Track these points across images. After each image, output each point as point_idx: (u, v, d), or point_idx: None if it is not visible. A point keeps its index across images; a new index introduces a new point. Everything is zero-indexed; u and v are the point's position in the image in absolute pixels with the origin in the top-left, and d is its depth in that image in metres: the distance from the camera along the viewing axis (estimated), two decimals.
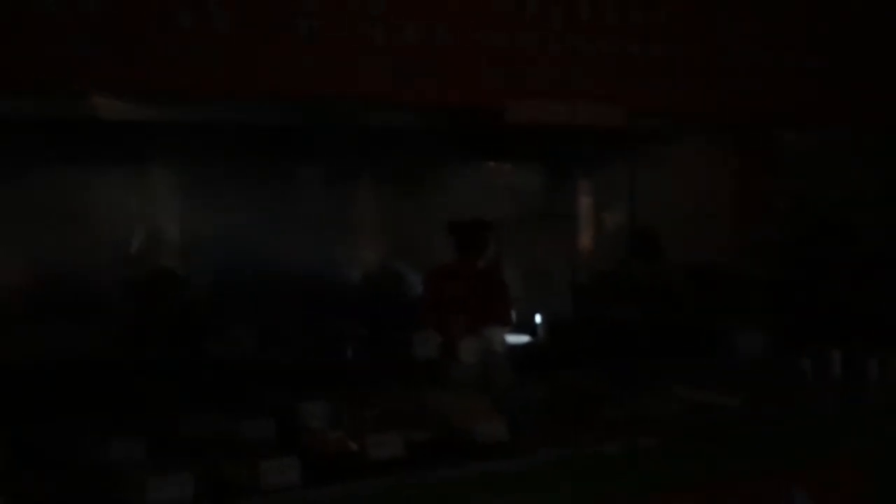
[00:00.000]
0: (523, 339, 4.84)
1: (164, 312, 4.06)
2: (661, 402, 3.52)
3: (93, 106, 3.91)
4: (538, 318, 5.07)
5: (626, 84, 4.50)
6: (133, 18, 3.73)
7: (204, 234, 4.76)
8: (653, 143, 5.07)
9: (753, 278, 5.09)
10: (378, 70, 4.17)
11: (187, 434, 2.98)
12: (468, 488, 2.87)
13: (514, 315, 4.90)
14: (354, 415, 3.07)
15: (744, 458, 3.36)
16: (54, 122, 4.13)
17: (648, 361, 4.06)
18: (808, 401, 3.72)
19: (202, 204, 4.79)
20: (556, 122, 4.45)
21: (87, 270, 4.59)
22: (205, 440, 2.94)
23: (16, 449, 2.80)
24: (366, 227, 5.25)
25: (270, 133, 4.57)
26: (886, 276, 4.78)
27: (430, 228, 5.09)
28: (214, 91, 3.93)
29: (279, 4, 3.97)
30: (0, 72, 3.56)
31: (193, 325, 4.04)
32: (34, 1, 3.60)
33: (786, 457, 3.44)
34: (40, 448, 2.86)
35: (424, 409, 3.14)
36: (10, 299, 4.49)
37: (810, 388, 3.86)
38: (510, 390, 3.39)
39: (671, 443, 3.23)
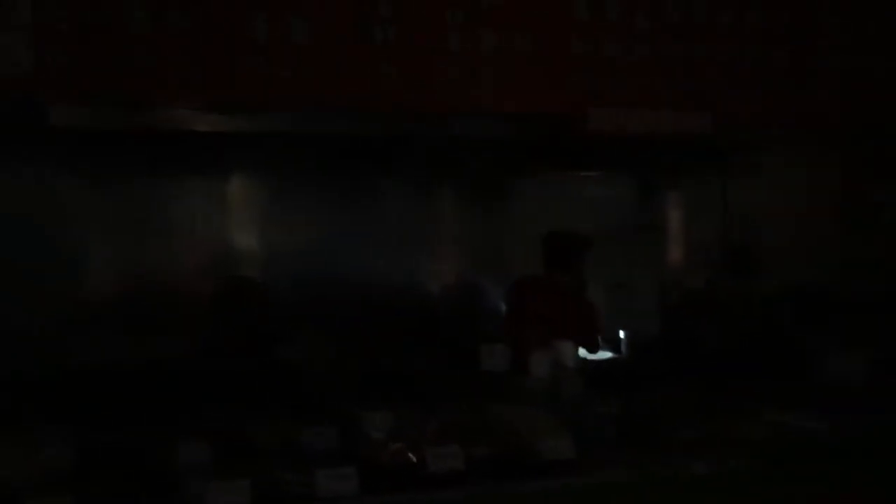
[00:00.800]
0: (604, 355, 4.68)
1: (237, 320, 4.11)
2: (742, 424, 3.31)
3: (175, 118, 4.01)
4: (621, 335, 4.90)
5: (715, 90, 4.33)
6: (214, 33, 3.83)
7: (280, 245, 4.81)
8: (746, 153, 4.84)
9: (852, 298, 4.79)
10: (457, 79, 4.15)
11: (250, 441, 2.98)
12: None
13: (600, 339, 4.75)
14: (416, 426, 3.00)
15: (830, 484, 3.13)
16: (139, 134, 4.25)
17: (734, 383, 3.85)
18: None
19: (280, 215, 4.84)
20: (641, 131, 4.31)
21: (166, 278, 4.68)
22: (266, 447, 2.94)
23: (86, 450, 2.85)
24: (442, 239, 5.18)
25: (349, 144, 4.58)
26: None
27: (509, 241, 5.00)
28: (293, 103, 3.98)
29: (357, 13, 4.00)
30: (91, 85, 3.69)
31: (265, 334, 4.07)
32: (124, 18, 3.73)
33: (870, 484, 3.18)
34: (109, 450, 2.91)
35: (489, 423, 3.05)
36: (89, 305, 4.61)
37: None
38: (581, 407, 3.25)
39: (746, 466, 3.03)
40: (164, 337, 4.35)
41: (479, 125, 4.32)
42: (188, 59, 3.83)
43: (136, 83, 3.77)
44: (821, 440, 3.26)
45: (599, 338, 4.69)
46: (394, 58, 4.07)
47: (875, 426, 3.37)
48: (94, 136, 4.09)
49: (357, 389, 3.37)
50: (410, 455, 2.81)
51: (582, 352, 4.35)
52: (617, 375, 4.44)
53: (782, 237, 5.08)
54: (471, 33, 4.17)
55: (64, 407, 3.19)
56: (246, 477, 2.60)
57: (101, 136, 4.07)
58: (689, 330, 5.03)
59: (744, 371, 4.10)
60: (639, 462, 2.98)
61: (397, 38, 4.09)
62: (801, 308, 4.89)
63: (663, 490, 2.94)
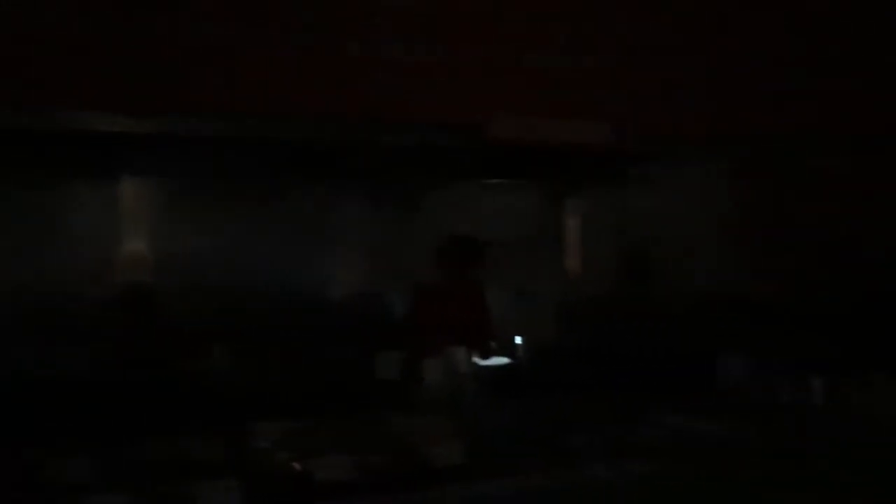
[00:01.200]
0: (500, 360, 4.67)
1: (126, 328, 3.97)
2: (639, 429, 3.35)
3: (71, 119, 3.85)
4: (517, 340, 4.91)
5: (615, 102, 4.40)
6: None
7: (173, 251, 4.67)
8: (645, 163, 4.94)
9: (746, 303, 4.93)
10: (359, 88, 4.11)
11: (130, 454, 2.86)
12: None
13: (492, 344, 4.73)
14: (305, 437, 2.94)
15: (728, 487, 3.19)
16: (29, 135, 4.05)
17: (630, 388, 3.90)
18: (794, 429, 3.54)
19: (173, 221, 4.70)
20: (539, 139, 4.35)
21: (57, 286, 4.50)
22: (148, 460, 2.83)
23: None
24: (343, 246, 5.14)
25: (250, 149, 4.47)
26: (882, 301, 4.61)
27: (412, 248, 4.98)
28: (193, 105, 3.88)
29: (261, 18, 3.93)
30: None
31: (151, 343, 3.94)
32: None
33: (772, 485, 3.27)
34: None
35: (380, 432, 3.01)
36: None
37: (798, 415, 3.69)
38: (475, 413, 3.24)
39: (644, 470, 3.07)
40: (48, 345, 4.16)
41: (382, 132, 4.28)
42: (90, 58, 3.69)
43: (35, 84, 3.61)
44: (718, 444, 3.33)
45: (491, 343, 4.67)
46: (297, 64, 4.00)
47: (771, 429, 3.46)
48: None
49: (245, 399, 3.27)
50: (297, 465, 2.75)
51: (475, 357, 4.39)
52: (512, 381, 4.46)
53: (679, 245, 5.19)
54: (374, 41, 4.14)
55: None
56: (125, 492, 2.50)
57: None
58: (586, 336, 5.09)
59: (641, 377, 4.15)
60: (534, 468, 2.98)
61: (303, 43, 4.02)
62: (698, 314, 5.01)
63: (561, 497, 2.95)
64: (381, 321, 4.94)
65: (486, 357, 4.52)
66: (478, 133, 4.32)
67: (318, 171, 4.86)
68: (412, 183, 5.13)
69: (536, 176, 5.27)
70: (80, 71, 3.66)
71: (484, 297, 4.80)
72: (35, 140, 4.09)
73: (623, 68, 4.46)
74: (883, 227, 4.91)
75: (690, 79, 4.54)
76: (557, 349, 4.85)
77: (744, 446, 3.33)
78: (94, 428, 3.04)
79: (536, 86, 4.37)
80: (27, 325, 4.33)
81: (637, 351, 4.64)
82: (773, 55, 4.60)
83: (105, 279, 4.63)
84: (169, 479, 2.66)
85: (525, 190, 5.43)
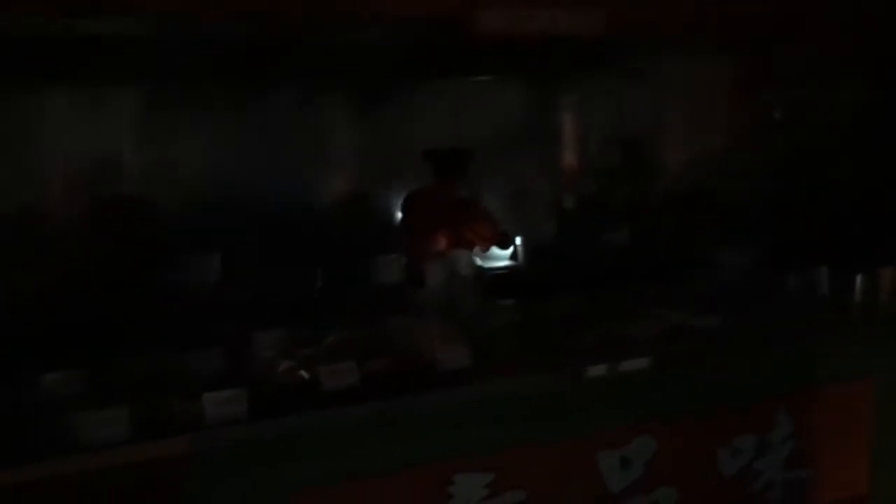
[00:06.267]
0: (500, 263, 4.63)
1: (112, 240, 3.86)
2: (635, 326, 3.32)
3: (37, 22, 3.65)
4: (517, 241, 4.85)
5: None
6: None
7: (160, 160, 4.52)
8: (639, 56, 4.77)
9: (742, 196, 4.87)
10: None
11: (129, 367, 2.81)
12: (428, 417, 2.72)
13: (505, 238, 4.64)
14: (308, 344, 2.89)
15: (726, 382, 3.20)
16: None
17: (629, 286, 3.86)
18: (795, 321, 3.53)
19: (159, 128, 4.53)
20: (530, 32, 4.18)
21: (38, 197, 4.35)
22: (148, 373, 2.78)
23: None
24: (329, 150, 4.99)
25: (229, 52, 4.28)
26: (874, 193, 4.55)
27: (399, 152, 4.84)
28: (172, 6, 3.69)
29: None
30: None
31: (143, 254, 3.85)
32: None
33: (770, 380, 3.29)
34: None
35: (384, 337, 2.96)
36: None
37: (797, 308, 3.67)
38: (478, 316, 3.19)
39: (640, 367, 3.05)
40: (35, 261, 4.05)
41: (362, 29, 4.10)
42: None
43: None
44: (712, 336, 3.32)
45: (507, 235, 4.60)
46: None
47: (768, 320, 3.45)
48: None
49: (245, 309, 3.21)
50: (303, 373, 2.71)
51: (495, 250, 4.44)
52: (513, 283, 4.43)
53: (678, 138, 5.09)
54: None
55: None
56: (122, 405, 2.44)
57: None
58: (583, 234, 5.03)
59: (639, 273, 4.12)
60: (535, 369, 2.96)
61: None
62: (693, 209, 4.95)
63: (561, 396, 2.94)
64: (374, 226, 4.86)
65: (506, 247, 4.50)
66: (463, 27, 4.15)
67: (294, 72, 4.68)
68: (396, 82, 4.95)
69: (525, 70, 5.08)
70: None
71: (477, 201, 4.69)
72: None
73: None
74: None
75: None
76: (556, 248, 4.79)
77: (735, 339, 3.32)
78: (88, 347, 2.96)
79: None
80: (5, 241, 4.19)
81: (635, 246, 4.60)
82: None
83: (87, 191, 4.47)
84: (175, 391, 2.61)
85: (514, 86, 5.25)
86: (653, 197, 5.12)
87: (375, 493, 2.67)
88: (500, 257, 4.75)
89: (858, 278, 3.65)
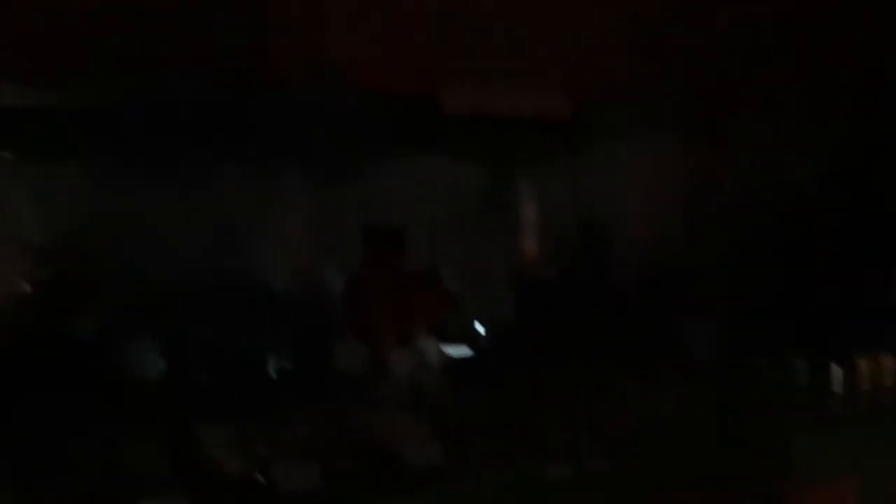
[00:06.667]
0: (460, 348, 4.38)
1: (55, 322, 3.54)
2: (608, 414, 3.12)
3: None
4: (478, 328, 4.62)
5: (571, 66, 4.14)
6: None
7: (103, 235, 4.21)
8: (602, 136, 4.69)
9: (704, 275, 4.76)
10: (297, 48, 3.77)
11: (59, 461, 2.48)
12: None
13: (447, 322, 4.39)
14: (264, 440, 2.60)
15: (698, 478, 3.00)
16: None
17: (596, 368, 3.69)
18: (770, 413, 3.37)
19: (102, 199, 4.24)
20: (498, 113, 4.08)
21: None
22: (79, 469, 2.45)
23: None
24: (283, 228, 4.71)
25: (180, 112, 4.04)
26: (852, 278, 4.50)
27: (356, 229, 4.60)
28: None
29: None
30: None
31: (86, 337, 3.53)
32: None
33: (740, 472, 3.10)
34: None
35: (347, 432, 2.70)
36: None
37: (773, 399, 3.53)
38: (446, 407, 2.96)
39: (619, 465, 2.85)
40: None
41: (325, 100, 3.94)
42: None
43: None
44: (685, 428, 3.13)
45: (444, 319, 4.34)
46: (230, 19, 3.62)
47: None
48: None
49: (190, 399, 2.91)
50: (258, 476, 2.42)
51: (435, 341, 4.02)
52: (474, 370, 4.20)
53: (637, 217, 4.98)
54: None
55: None
56: None
57: None
58: (545, 315, 4.86)
59: (603, 354, 3.96)
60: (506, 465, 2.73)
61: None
62: (653, 287, 4.83)
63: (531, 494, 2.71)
64: (333, 309, 4.58)
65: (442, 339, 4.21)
66: (430, 105, 4.03)
67: (244, 141, 4.46)
68: (353, 156, 4.76)
69: (488, 148, 4.96)
70: None
71: (434, 281, 4.43)
72: None
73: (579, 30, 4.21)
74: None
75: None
76: (518, 332, 4.58)
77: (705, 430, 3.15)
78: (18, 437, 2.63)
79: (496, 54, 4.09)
80: None
81: (598, 328, 4.45)
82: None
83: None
84: (105, 496, 2.30)
85: (476, 164, 5.12)
86: (615, 278, 4.97)
87: None
88: (461, 342, 4.50)
89: (838, 369, 3.52)
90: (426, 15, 3.89)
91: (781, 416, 3.35)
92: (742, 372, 3.76)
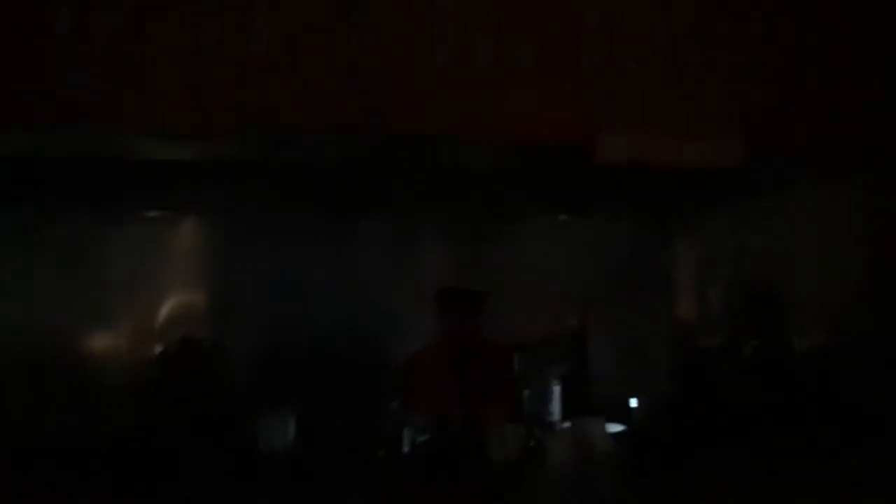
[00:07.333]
0: (613, 428, 3.85)
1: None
2: None
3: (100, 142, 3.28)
4: (632, 403, 4.07)
5: (746, 114, 3.68)
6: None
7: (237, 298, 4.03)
8: (779, 188, 4.16)
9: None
10: (429, 99, 3.48)
11: None
12: None
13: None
14: None
15: None
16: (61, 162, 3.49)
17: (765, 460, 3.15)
18: None
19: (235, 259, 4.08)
20: (655, 161, 3.64)
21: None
22: None
23: None
24: (426, 287, 4.34)
25: (311, 174, 3.83)
26: None
27: (501, 289, 4.21)
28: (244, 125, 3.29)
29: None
30: None
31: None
32: None
33: None
34: None
35: None
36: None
37: None
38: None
39: None
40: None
41: (468, 154, 3.62)
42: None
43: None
44: None
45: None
46: (369, 71, 3.39)
47: None
48: None
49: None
50: None
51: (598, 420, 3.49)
52: (631, 455, 3.69)
53: (813, 284, 4.39)
54: (461, 44, 3.50)
55: None
56: None
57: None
58: (706, 394, 4.31)
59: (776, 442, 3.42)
60: None
61: (373, 46, 3.41)
62: (838, 366, 4.21)
63: None
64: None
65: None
66: (579, 154, 3.64)
67: (385, 198, 4.20)
68: (507, 214, 4.41)
69: (642, 203, 4.50)
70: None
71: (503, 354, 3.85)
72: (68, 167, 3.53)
73: (751, 74, 3.75)
74: None
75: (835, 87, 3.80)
76: (676, 412, 4.05)
77: None
78: None
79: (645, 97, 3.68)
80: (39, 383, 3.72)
81: (768, 412, 3.88)
82: None
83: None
84: None
85: (629, 220, 4.66)
86: (788, 353, 4.38)
87: None
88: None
89: None
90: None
91: None
92: None
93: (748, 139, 3.60)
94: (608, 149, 3.65)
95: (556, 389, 4.23)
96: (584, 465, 2.59)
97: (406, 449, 3.17)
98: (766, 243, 4.51)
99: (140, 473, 2.89)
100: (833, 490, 3.00)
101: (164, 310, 4.29)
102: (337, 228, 4.23)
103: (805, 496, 2.93)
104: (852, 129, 3.74)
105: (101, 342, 4.19)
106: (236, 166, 3.74)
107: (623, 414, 4.06)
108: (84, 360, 4.11)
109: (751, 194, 4.31)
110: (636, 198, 4.33)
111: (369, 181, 3.87)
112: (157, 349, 4.13)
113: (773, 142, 3.68)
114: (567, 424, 2.95)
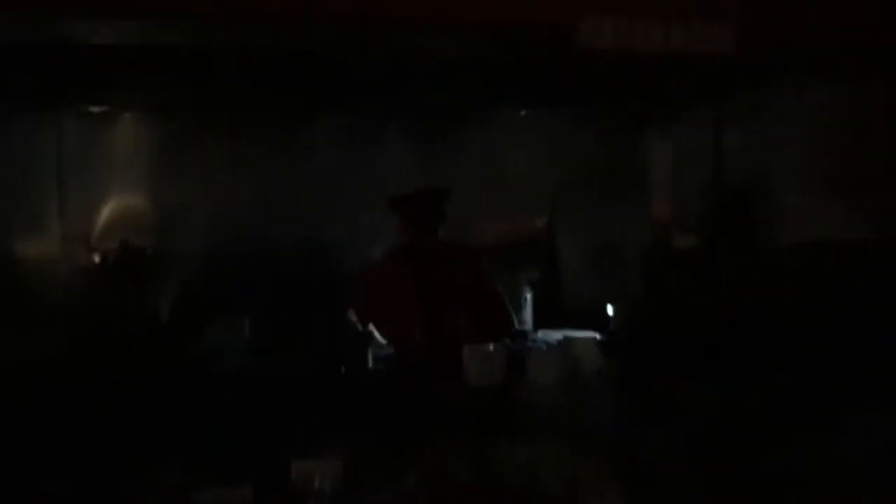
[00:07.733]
0: (587, 335, 3.60)
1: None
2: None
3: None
4: (608, 310, 3.84)
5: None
6: None
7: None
8: (756, 79, 3.86)
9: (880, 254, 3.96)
10: None
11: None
12: None
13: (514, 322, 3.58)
14: (378, 478, 1.98)
15: None
16: None
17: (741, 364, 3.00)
18: None
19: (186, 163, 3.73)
20: (644, 49, 3.32)
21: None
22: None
23: None
24: (391, 189, 4.01)
25: (272, 65, 3.43)
26: None
27: (469, 187, 3.90)
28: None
29: None
30: None
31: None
32: None
33: None
34: None
35: (495, 471, 2.05)
36: None
37: None
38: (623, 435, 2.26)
39: None
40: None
41: (438, 41, 3.26)
42: None
43: None
44: None
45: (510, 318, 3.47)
46: None
47: None
48: None
49: (287, 425, 2.31)
50: None
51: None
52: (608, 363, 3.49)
53: (793, 183, 4.18)
54: None
55: None
56: None
57: None
58: (678, 298, 4.15)
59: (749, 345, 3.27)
60: None
61: None
62: (813, 268, 4.06)
63: None
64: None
65: (507, 336, 3.30)
66: (554, 42, 3.30)
67: (339, 92, 3.82)
68: (462, 106, 4.07)
69: (620, 97, 4.17)
70: None
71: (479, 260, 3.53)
72: None
73: None
74: None
75: None
76: (649, 317, 3.86)
77: None
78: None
79: None
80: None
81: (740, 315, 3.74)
82: None
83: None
84: None
85: (606, 115, 4.34)
86: (767, 251, 4.21)
87: None
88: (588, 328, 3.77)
89: None
90: None
91: None
92: None
93: (740, 25, 3.29)
94: (589, 34, 3.31)
95: (528, 297, 4.01)
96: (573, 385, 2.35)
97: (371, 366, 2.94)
98: (750, 141, 4.25)
99: (79, 394, 2.65)
100: (812, 392, 2.86)
101: (103, 215, 3.98)
102: (288, 126, 3.87)
103: (784, 399, 2.78)
104: (854, 19, 3.44)
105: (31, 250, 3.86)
106: (179, 57, 3.32)
107: (599, 322, 3.86)
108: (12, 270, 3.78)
109: (737, 87, 4.02)
110: (614, 90, 4.01)
111: (322, 74, 3.48)
112: (95, 257, 3.88)
113: (767, 28, 3.37)
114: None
